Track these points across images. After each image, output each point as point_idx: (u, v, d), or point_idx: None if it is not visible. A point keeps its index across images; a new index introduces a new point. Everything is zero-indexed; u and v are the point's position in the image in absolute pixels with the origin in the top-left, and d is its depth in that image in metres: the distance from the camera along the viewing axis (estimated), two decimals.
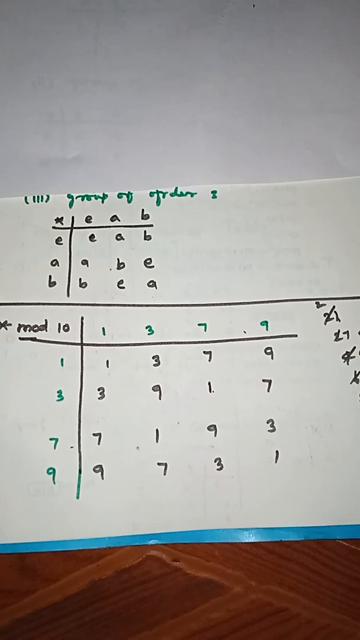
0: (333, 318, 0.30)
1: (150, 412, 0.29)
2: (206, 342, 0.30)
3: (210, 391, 0.29)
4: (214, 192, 0.32)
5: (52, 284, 0.31)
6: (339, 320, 0.30)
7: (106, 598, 0.28)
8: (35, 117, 0.33)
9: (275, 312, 0.30)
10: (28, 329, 0.30)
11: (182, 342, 0.30)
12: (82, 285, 0.31)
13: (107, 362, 0.30)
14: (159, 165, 0.32)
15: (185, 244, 0.31)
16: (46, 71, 0.34)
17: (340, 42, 0.34)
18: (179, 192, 0.32)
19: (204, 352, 0.30)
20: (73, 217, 0.32)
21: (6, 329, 0.30)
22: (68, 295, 0.31)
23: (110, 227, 0.32)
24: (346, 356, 0.30)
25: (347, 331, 0.30)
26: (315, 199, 0.32)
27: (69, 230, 0.32)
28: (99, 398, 0.29)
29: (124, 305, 0.30)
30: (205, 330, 0.30)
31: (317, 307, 0.30)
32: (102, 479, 0.28)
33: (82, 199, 0.32)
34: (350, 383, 0.29)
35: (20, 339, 0.30)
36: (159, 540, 0.28)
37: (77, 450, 0.28)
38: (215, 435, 0.29)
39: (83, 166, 0.32)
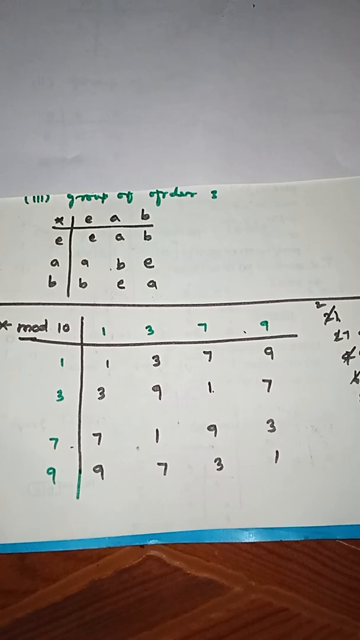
0: (333, 318, 0.30)
1: (150, 412, 0.29)
2: (206, 342, 0.30)
3: (210, 391, 0.29)
4: (214, 192, 0.32)
5: (52, 284, 0.31)
6: (339, 320, 0.30)
7: (106, 598, 0.28)
8: (35, 117, 0.33)
9: (275, 312, 0.30)
10: (28, 329, 0.30)
11: (182, 342, 0.30)
12: (82, 285, 0.31)
13: (107, 362, 0.30)
14: (159, 165, 0.32)
15: (185, 244, 0.31)
16: (46, 71, 0.34)
17: (340, 42, 0.34)
18: (179, 192, 0.32)
19: (204, 352, 0.30)
20: (73, 217, 0.32)
21: (6, 329, 0.30)
22: (68, 295, 0.31)
23: (110, 227, 0.32)
24: (346, 356, 0.30)
25: (347, 331, 0.30)
26: (315, 199, 0.32)
27: (69, 230, 0.32)
28: (99, 398, 0.29)
29: (124, 305, 0.30)
30: (205, 330, 0.30)
31: (317, 307, 0.30)
32: (102, 479, 0.28)
33: (82, 199, 0.32)
34: (350, 383, 0.29)
35: (20, 339, 0.30)
36: (159, 540, 0.28)
37: (77, 450, 0.28)
38: (215, 435, 0.29)
39: (83, 166, 0.32)
